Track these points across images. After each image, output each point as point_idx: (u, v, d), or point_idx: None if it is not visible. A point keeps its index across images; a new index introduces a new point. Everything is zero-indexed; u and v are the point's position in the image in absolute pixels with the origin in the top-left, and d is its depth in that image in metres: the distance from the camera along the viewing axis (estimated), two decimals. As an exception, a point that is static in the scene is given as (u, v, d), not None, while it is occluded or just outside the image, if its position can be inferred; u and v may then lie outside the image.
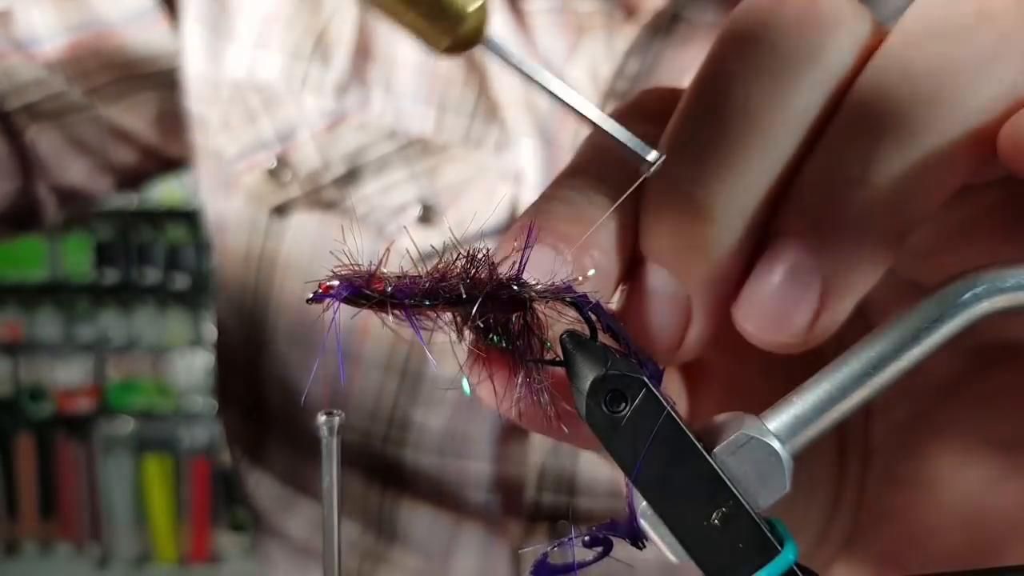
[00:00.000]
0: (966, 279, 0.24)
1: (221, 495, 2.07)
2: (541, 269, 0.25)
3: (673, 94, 0.29)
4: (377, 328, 0.58)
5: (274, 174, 0.60)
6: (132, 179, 0.72)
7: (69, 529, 2.09)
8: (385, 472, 0.62)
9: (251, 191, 0.61)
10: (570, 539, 0.26)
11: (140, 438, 2.07)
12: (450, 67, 0.59)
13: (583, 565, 0.25)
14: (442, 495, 0.62)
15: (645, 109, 0.29)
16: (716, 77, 0.26)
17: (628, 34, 0.59)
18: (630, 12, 0.59)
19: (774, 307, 0.25)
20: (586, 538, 0.25)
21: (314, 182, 0.60)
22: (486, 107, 0.59)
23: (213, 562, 2.06)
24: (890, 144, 0.24)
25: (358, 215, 0.59)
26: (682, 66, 0.59)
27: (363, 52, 0.60)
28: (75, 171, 0.68)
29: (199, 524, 2.06)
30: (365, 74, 0.59)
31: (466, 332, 0.25)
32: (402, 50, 0.59)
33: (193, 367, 2.06)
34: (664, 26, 0.58)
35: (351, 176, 0.59)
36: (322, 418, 0.24)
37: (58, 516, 2.08)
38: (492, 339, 0.24)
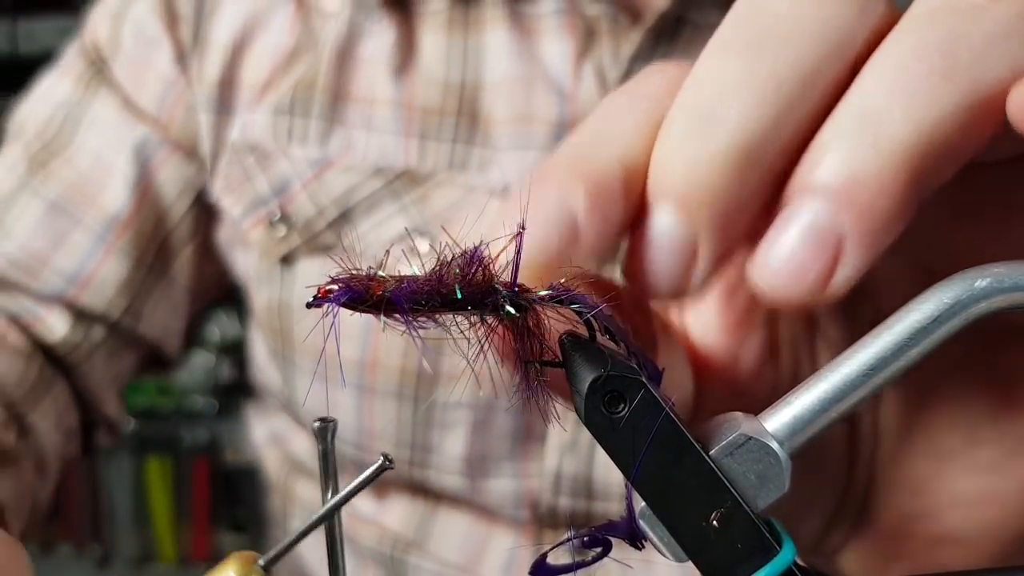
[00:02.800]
0: (965, 278, 0.24)
1: (222, 495, 2.07)
2: (545, 213, 0.25)
3: (680, 70, 0.29)
4: (384, 361, 0.61)
5: (275, 227, 0.63)
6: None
7: (70, 529, 2.09)
8: (420, 491, 0.64)
9: (260, 246, 0.64)
10: (569, 539, 0.26)
11: (141, 438, 2.07)
12: (426, 97, 0.60)
13: (581, 566, 0.25)
14: (472, 509, 0.63)
15: (649, 89, 0.29)
16: (731, 42, 0.27)
17: (634, 39, 0.59)
18: (635, 16, 0.60)
19: (789, 266, 0.25)
20: (585, 539, 0.25)
21: (311, 229, 0.62)
22: (466, 129, 0.60)
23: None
24: (902, 115, 0.24)
25: (355, 253, 0.61)
26: None
27: (340, 96, 0.62)
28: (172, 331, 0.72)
29: (200, 524, 2.06)
30: (345, 117, 0.62)
31: (468, 328, 0.25)
32: (379, 88, 0.61)
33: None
34: (669, 29, 0.58)
35: (344, 218, 0.62)
36: (316, 425, 0.24)
37: (59, 516, 2.08)
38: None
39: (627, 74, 0.59)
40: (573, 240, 0.25)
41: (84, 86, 0.68)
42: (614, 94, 0.30)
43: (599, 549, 0.26)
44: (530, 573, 0.26)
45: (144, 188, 0.66)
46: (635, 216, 0.27)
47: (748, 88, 0.26)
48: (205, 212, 0.69)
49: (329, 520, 0.25)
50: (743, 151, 0.25)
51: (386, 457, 0.24)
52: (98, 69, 0.68)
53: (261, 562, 0.26)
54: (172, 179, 0.67)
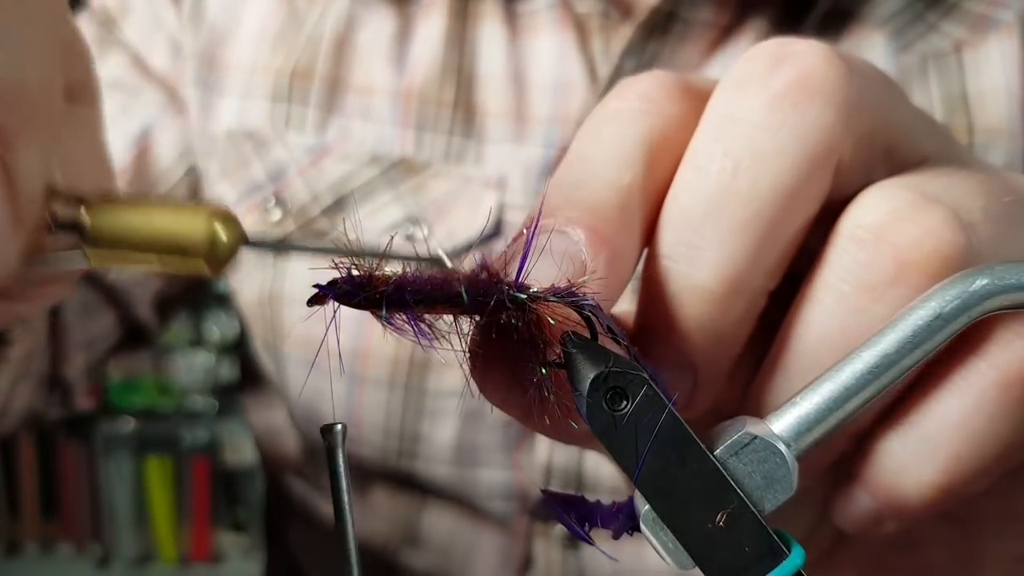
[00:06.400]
0: (965, 279, 0.24)
1: (222, 495, 2.07)
2: (549, 259, 0.25)
3: (655, 81, 0.29)
4: (377, 349, 0.60)
5: (270, 212, 0.63)
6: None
7: (70, 529, 2.08)
8: (407, 484, 0.64)
9: (253, 231, 0.64)
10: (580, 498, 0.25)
11: (141, 438, 2.07)
12: (424, 87, 0.61)
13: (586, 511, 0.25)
14: (461, 504, 0.63)
15: (627, 104, 0.29)
16: (709, 154, 0.27)
17: (624, 34, 0.59)
18: (626, 12, 0.59)
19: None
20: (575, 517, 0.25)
21: (305, 215, 0.62)
22: (463, 121, 0.60)
23: (214, 562, 2.06)
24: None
25: (349, 240, 0.62)
26: (680, 64, 0.59)
27: (338, 85, 0.62)
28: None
29: (200, 524, 2.06)
30: (342, 106, 0.62)
31: (466, 332, 0.25)
32: (377, 77, 0.61)
33: (194, 366, 2.06)
34: (660, 25, 0.58)
35: (339, 205, 0.62)
36: (324, 430, 0.24)
37: (59, 516, 2.08)
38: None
39: (617, 69, 0.59)
40: (582, 276, 0.25)
41: (97, 46, 0.68)
42: (591, 118, 0.29)
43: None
44: (540, 497, 0.27)
45: (144, 146, 0.66)
46: (643, 232, 0.27)
47: (726, 216, 0.26)
48: (198, 183, 0.69)
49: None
50: (728, 283, 0.26)
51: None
52: (108, 30, 0.68)
53: (247, 233, 0.24)
54: (172, 143, 0.67)
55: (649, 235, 0.28)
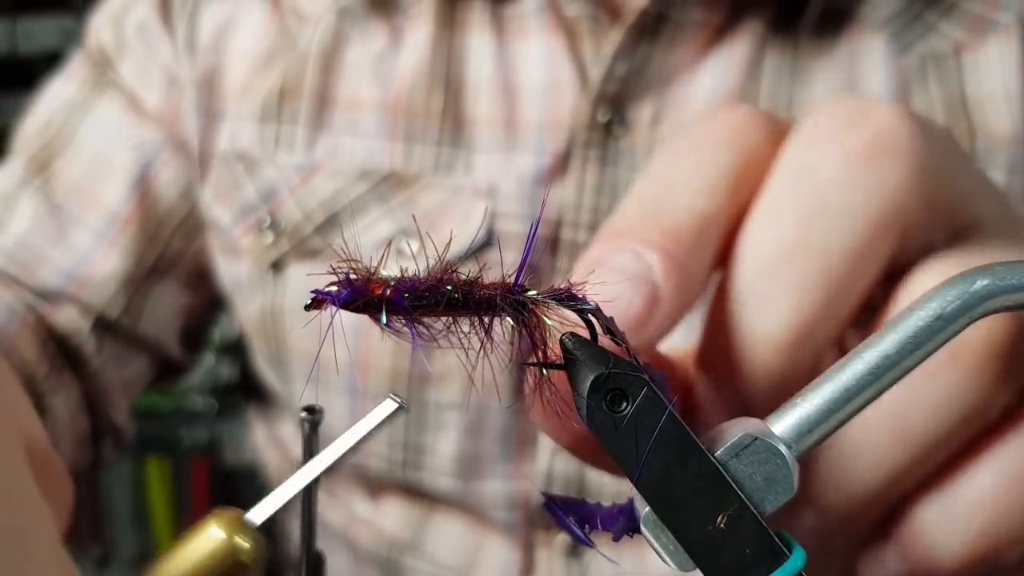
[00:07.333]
0: (966, 279, 0.24)
1: (222, 495, 2.07)
2: (622, 279, 0.25)
3: (742, 115, 0.30)
4: (376, 362, 0.60)
5: (264, 233, 0.62)
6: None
7: (70, 529, 2.08)
8: (413, 493, 0.64)
9: (250, 252, 0.64)
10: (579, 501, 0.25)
11: (140, 438, 2.07)
12: (412, 97, 0.61)
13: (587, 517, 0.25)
14: (465, 513, 0.63)
15: (712, 133, 0.30)
16: (781, 205, 0.28)
17: (615, 37, 0.59)
18: (615, 15, 0.59)
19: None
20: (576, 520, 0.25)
21: (299, 234, 0.63)
22: (451, 130, 0.60)
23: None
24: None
25: (343, 256, 0.63)
26: (671, 66, 0.59)
27: (326, 102, 0.62)
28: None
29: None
30: (331, 123, 0.62)
31: (465, 334, 0.25)
32: (364, 91, 0.61)
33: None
34: (650, 27, 0.58)
35: (331, 222, 0.62)
36: (303, 414, 0.24)
37: (59, 517, 2.08)
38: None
39: (609, 72, 0.59)
40: (655, 304, 0.26)
41: (89, 88, 0.69)
42: (677, 139, 0.30)
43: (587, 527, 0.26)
44: (544, 505, 0.27)
45: (145, 188, 0.66)
46: (714, 263, 0.28)
47: (798, 267, 0.26)
48: (200, 221, 0.69)
49: (312, 484, 0.25)
50: (795, 333, 0.27)
51: (396, 397, 0.24)
52: (103, 72, 0.69)
53: (257, 521, 0.25)
54: (174, 181, 0.67)
55: (718, 262, 0.28)
